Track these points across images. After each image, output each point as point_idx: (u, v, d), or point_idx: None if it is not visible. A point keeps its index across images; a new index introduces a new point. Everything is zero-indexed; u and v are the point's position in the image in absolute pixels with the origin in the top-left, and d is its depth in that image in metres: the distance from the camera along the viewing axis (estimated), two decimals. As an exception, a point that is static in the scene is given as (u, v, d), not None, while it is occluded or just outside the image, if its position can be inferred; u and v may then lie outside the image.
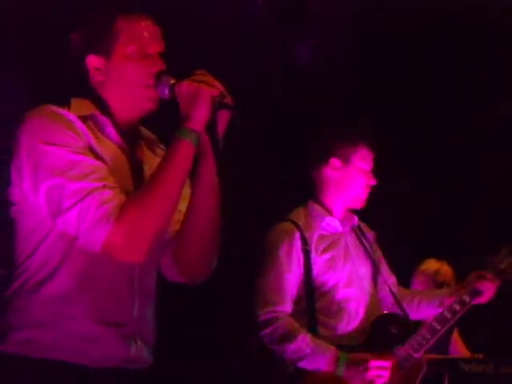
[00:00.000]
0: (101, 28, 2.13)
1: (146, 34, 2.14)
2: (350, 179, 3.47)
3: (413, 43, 4.51)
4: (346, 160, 3.46)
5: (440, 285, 4.45)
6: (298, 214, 3.48)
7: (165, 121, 2.13)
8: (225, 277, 2.74)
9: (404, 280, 4.47)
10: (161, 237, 2.05)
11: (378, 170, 3.54)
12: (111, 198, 1.95)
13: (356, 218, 3.56)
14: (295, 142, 4.12)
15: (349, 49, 4.38)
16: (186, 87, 2.03)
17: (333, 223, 3.47)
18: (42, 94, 2.12)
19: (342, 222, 3.51)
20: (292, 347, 3.20)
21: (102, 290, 2.05)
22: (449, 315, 3.48)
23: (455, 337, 4.62)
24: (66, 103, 2.11)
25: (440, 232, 4.85)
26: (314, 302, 3.32)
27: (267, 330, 3.22)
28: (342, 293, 3.38)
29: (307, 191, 3.56)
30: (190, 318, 4.18)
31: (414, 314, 3.64)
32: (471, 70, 4.63)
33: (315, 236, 3.41)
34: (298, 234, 3.37)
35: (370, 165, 3.50)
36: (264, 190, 4.18)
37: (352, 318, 3.38)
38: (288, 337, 3.21)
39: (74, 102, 2.13)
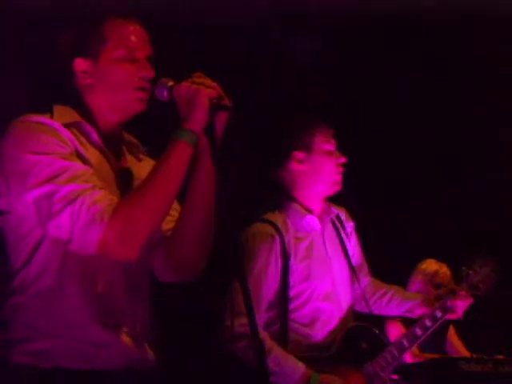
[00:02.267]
0: (89, 31, 2.12)
1: (134, 38, 2.14)
2: (318, 166, 3.33)
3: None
4: (307, 148, 3.34)
5: (437, 286, 4.45)
6: (275, 215, 3.34)
7: (163, 123, 2.13)
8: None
9: (402, 277, 4.50)
10: (155, 235, 2.05)
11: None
12: (102, 197, 1.95)
13: (333, 209, 3.44)
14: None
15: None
16: (184, 89, 2.04)
17: (312, 222, 3.35)
18: (31, 97, 2.11)
19: (320, 217, 3.39)
20: None
21: (102, 293, 2.06)
22: (419, 332, 3.41)
23: (451, 336, 4.63)
24: (47, 111, 2.10)
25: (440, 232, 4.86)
26: (287, 310, 3.23)
27: (240, 344, 3.07)
28: (317, 303, 3.29)
29: (279, 191, 3.43)
30: (191, 316, 4.18)
31: (380, 310, 3.58)
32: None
33: (293, 239, 3.29)
34: (278, 239, 3.23)
35: (332, 144, 3.37)
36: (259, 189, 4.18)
37: (326, 328, 3.30)
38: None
39: (57, 109, 2.12)
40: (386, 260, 4.05)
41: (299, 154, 3.35)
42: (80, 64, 2.13)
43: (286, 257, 3.24)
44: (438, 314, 3.42)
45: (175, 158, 2.00)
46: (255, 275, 3.17)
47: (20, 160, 1.98)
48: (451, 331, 4.66)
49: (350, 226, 3.56)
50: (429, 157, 4.85)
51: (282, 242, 3.25)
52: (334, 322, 3.35)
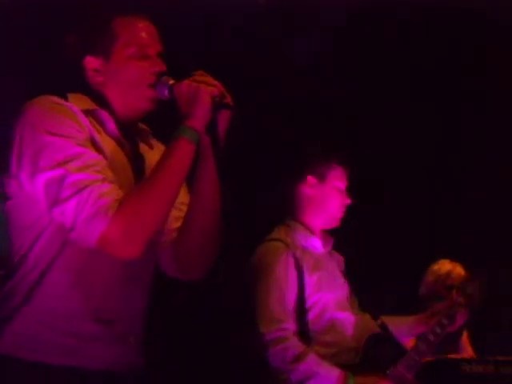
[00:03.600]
0: (99, 29, 2.11)
1: (144, 34, 2.14)
2: (325, 197, 3.41)
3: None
4: (321, 178, 3.41)
5: (449, 288, 4.40)
6: (280, 233, 3.41)
7: (164, 121, 2.12)
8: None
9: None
10: (158, 234, 2.04)
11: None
12: (110, 191, 1.93)
13: (332, 241, 3.52)
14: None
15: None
16: (185, 87, 2.03)
17: (315, 243, 3.44)
18: (40, 92, 2.09)
19: (322, 242, 3.48)
20: (303, 367, 3.15)
21: (97, 287, 2.05)
22: (432, 337, 3.42)
23: (464, 341, 4.60)
24: (62, 97, 2.08)
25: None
26: (307, 321, 3.28)
27: (276, 349, 3.16)
28: (332, 312, 3.34)
29: (284, 208, 3.50)
30: (185, 315, 4.17)
31: None
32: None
33: (302, 254, 3.36)
34: (290, 253, 3.31)
35: (344, 184, 3.44)
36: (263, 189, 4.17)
37: (344, 337, 3.36)
38: (299, 356, 3.16)
39: (72, 96, 2.10)
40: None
41: (312, 180, 3.42)
42: (91, 62, 2.12)
43: (299, 269, 3.30)
44: (445, 321, 3.44)
45: (177, 155, 1.99)
46: (277, 288, 3.25)
47: (35, 138, 1.96)
48: (464, 337, 4.61)
49: (341, 260, 3.63)
50: (429, 156, 4.85)
51: (294, 256, 3.32)
52: (350, 333, 3.39)
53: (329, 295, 3.36)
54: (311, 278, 3.32)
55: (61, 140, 1.95)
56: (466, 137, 4.78)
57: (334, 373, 3.19)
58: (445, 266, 4.48)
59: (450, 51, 4.58)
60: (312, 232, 3.44)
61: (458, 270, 4.43)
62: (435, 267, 4.50)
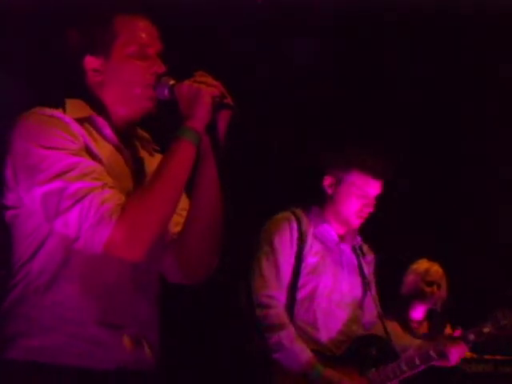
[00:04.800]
0: (99, 28, 2.10)
1: (144, 34, 2.12)
2: (341, 199, 3.45)
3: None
4: (337, 180, 3.45)
5: (429, 284, 4.46)
6: (298, 210, 3.48)
7: (163, 122, 2.12)
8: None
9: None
10: (161, 236, 2.03)
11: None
12: (112, 196, 1.93)
13: (359, 239, 3.54)
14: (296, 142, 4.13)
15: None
16: (186, 88, 2.02)
17: (329, 232, 3.46)
18: (39, 93, 2.09)
19: (342, 237, 3.49)
20: (275, 338, 3.19)
21: (105, 292, 2.04)
22: (434, 355, 3.42)
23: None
24: (60, 104, 2.08)
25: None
26: (295, 299, 3.32)
27: (260, 314, 3.24)
28: (320, 299, 3.36)
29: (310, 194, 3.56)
30: (194, 318, 4.18)
31: None
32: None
33: (311, 234, 3.41)
34: (295, 225, 3.38)
35: (364, 191, 3.42)
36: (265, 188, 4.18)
37: (329, 328, 3.36)
38: (274, 328, 3.21)
39: (69, 103, 2.10)
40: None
41: (329, 179, 3.49)
42: (91, 62, 2.11)
43: (301, 243, 3.36)
44: (432, 354, 3.42)
45: (179, 157, 1.98)
46: (273, 256, 3.32)
47: (29, 153, 1.95)
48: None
49: (370, 256, 3.64)
50: (432, 158, 4.85)
51: (299, 230, 3.38)
52: (337, 325, 3.39)
53: (323, 281, 3.37)
54: (311, 259, 3.37)
55: (55, 152, 1.94)
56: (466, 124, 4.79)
57: (304, 355, 3.19)
58: (423, 264, 4.56)
59: (449, 51, 4.58)
60: (328, 222, 3.47)
61: (436, 268, 4.51)
62: (414, 266, 4.59)
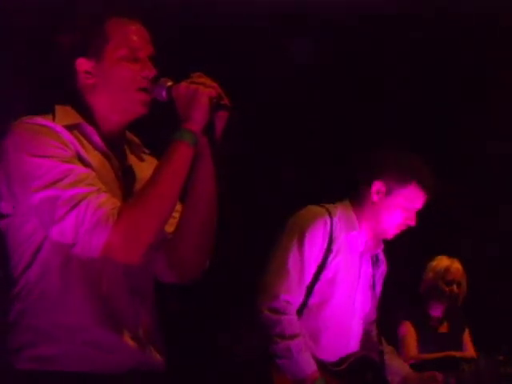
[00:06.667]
0: (91, 31, 2.10)
1: (136, 37, 2.12)
2: (385, 209, 3.30)
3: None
4: (388, 189, 3.29)
5: (449, 283, 4.43)
6: (335, 208, 3.32)
7: (160, 123, 2.12)
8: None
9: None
10: (158, 238, 2.03)
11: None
12: (107, 200, 1.93)
13: (381, 247, 3.44)
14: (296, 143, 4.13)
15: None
16: (183, 89, 2.02)
17: (357, 240, 3.34)
18: (28, 97, 2.09)
19: (367, 244, 3.38)
20: (284, 344, 3.12)
21: (105, 295, 2.04)
22: None
23: (466, 339, 4.60)
24: (50, 111, 2.08)
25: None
26: (309, 299, 3.24)
27: (273, 317, 3.12)
28: (330, 310, 3.27)
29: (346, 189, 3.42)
30: (198, 318, 4.18)
31: None
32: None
33: (340, 240, 3.27)
34: (328, 226, 3.24)
35: (412, 204, 3.30)
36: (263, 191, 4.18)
37: (331, 344, 3.29)
38: (285, 335, 3.13)
39: (59, 110, 2.10)
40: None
41: (380, 187, 3.30)
42: (83, 64, 2.11)
43: (328, 247, 3.24)
44: None
45: (176, 159, 1.98)
46: (302, 250, 3.19)
47: (21, 163, 1.96)
48: (466, 334, 4.61)
49: (383, 266, 3.53)
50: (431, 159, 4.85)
51: (331, 232, 3.24)
52: (341, 340, 3.33)
53: (339, 295, 3.28)
54: (334, 267, 3.24)
55: (48, 161, 1.95)
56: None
57: (309, 368, 3.14)
58: (443, 261, 4.51)
59: (449, 51, 4.58)
60: (358, 228, 3.33)
61: (456, 265, 4.47)
62: (433, 263, 4.53)
